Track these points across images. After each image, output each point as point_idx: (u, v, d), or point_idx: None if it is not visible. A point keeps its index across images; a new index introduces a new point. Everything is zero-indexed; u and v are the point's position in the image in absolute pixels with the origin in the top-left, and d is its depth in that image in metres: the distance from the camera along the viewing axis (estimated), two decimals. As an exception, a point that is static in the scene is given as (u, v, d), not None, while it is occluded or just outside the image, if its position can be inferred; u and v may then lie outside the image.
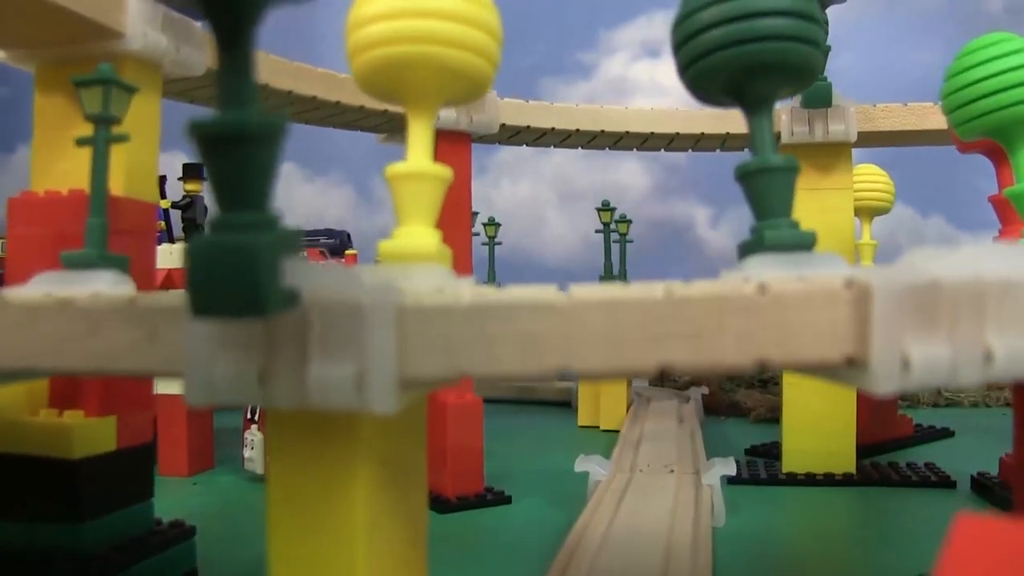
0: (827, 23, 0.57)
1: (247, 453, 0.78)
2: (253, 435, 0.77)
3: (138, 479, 0.49)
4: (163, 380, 0.61)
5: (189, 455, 0.81)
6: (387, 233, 0.33)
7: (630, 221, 1.24)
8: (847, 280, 0.22)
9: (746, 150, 0.92)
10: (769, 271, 0.25)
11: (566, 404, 1.35)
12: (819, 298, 0.22)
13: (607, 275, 1.19)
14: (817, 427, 0.78)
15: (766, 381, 1.33)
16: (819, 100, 0.77)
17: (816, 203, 0.78)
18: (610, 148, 0.99)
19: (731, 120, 0.90)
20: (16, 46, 0.49)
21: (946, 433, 1.05)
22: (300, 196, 2.14)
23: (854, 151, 0.81)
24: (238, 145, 0.21)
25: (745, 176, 0.27)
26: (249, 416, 0.79)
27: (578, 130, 0.91)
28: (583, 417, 1.18)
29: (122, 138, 0.41)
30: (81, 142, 0.40)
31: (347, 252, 1.62)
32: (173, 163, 1.08)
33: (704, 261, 2.02)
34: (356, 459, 0.25)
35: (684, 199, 2.06)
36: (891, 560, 0.55)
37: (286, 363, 0.23)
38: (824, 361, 0.22)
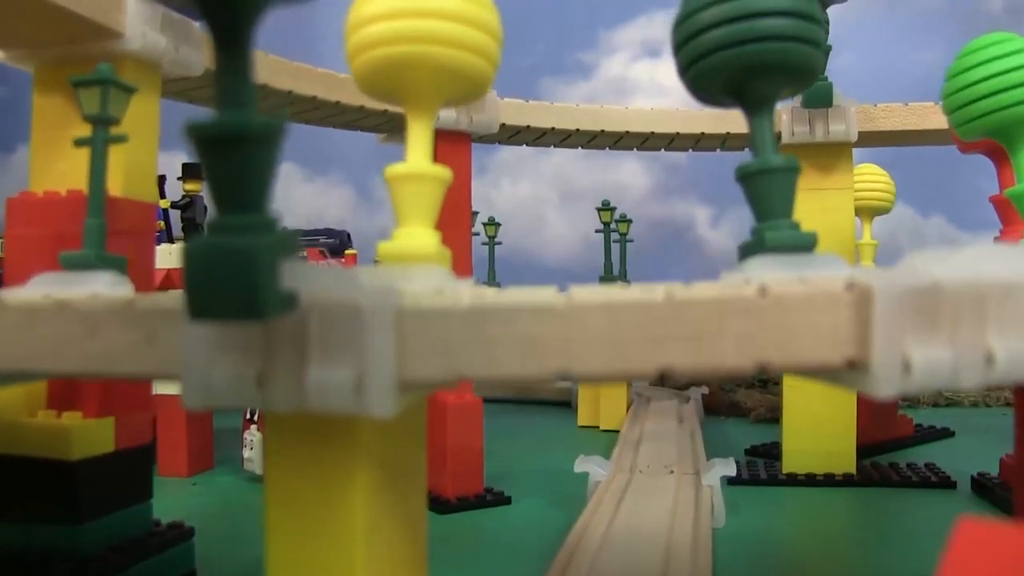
0: (828, 23, 0.57)
1: (247, 453, 0.78)
2: (253, 435, 0.77)
3: (137, 480, 0.49)
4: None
5: (188, 455, 0.81)
6: (387, 233, 0.33)
7: (630, 221, 1.24)
8: (848, 282, 0.22)
9: (746, 150, 0.92)
10: (770, 272, 0.25)
11: (566, 404, 1.35)
12: (820, 300, 0.22)
13: (607, 275, 1.19)
14: (817, 427, 0.78)
15: (766, 381, 1.32)
16: (820, 100, 0.77)
17: (817, 203, 0.78)
18: (610, 148, 0.99)
19: (731, 120, 0.90)
20: (15, 46, 0.49)
21: (946, 433, 1.05)
22: (300, 196, 2.14)
23: (855, 151, 0.81)
24: (236, 147, 0.20)
25: (746, 177, 0.27)
26: (248, 416, 0.78)
27: (578, 130, 0.91)
28: (583, 417, 1.18)
29: (120, 139, 0.41)
30: (79, 143, 0.40)
31: (347, 252, 1.62)
32: (172, 163, 1.07)
33: (704, 261, 2.02)
34: (355, 462, 0.25)
35: (684, 199, 2.06)
36: (891, 561, 0.55)
37: (284, 366, 0.23)
38: (825, 364, 0.22)
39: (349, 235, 1.74)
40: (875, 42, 1.85)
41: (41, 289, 0.31)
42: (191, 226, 1.05)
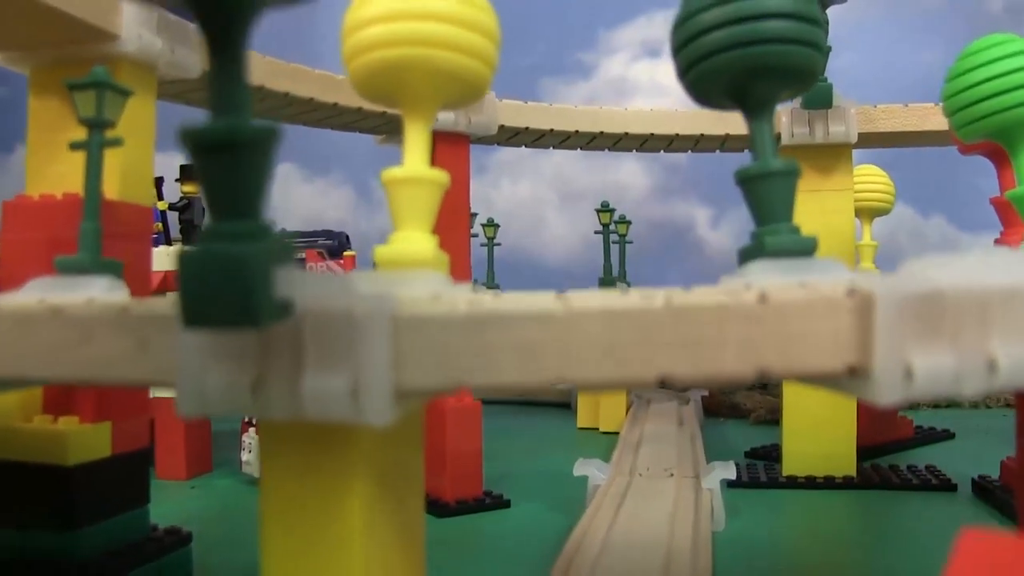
0: (827, 23, 0.57)
1: (245, 456, 0.78)
2: (251, 438, 0.77)
3: (134, 485, 0.49)
4: (160, 384, 0.60)
5: (187, 459, 0.81)
6: (387, 235, 0.33)
7: (629, 222, 1.24)
8: (849, 288, 0.22)
9: (746, 151, 0.92)
10: (770, 277, 0.24)
11: (565, 406, 1.35)
12: (821, 307, 0.22)
13: (607, 276, 1.19)
14: (817, 429, 0.78)
15: (766, 383, 1.32)
16: (820, 101, 0.77)
17: (816, 204, 0.78)
18: (609, 149, 0.99)
19: (731, 121, 0.89)
20: (10, 48, 0.49)
21: (947, 435, 1.04)
22: (299, 197, 2.13)
23: (855, 152, 0.81)
24: (230, 152, 0.20)
25: (746, 181, 0.27)
26: (247, 419, 0.78)
27: (577, 131, 0.91)
28: (582, 419, 1.17)
29: (116, 142, 0.41)
30: (75, 146, 0.40)
31: (346, 253, 1.62)
32: (170, 164, 1.07)
33: (704, 262, 2.01)
34: (352, 470, 0.24)
35: (684, 199, 2.06)
36: (892, 563, 0.55)
37: (280, 374, 0.22)
38: (826, 370, 0.22)
39: (348, 236, 1.74)
40: (875, 43, 1.85)
41: (36, 294, 0.31)
42: (189, 228, 1.04)
